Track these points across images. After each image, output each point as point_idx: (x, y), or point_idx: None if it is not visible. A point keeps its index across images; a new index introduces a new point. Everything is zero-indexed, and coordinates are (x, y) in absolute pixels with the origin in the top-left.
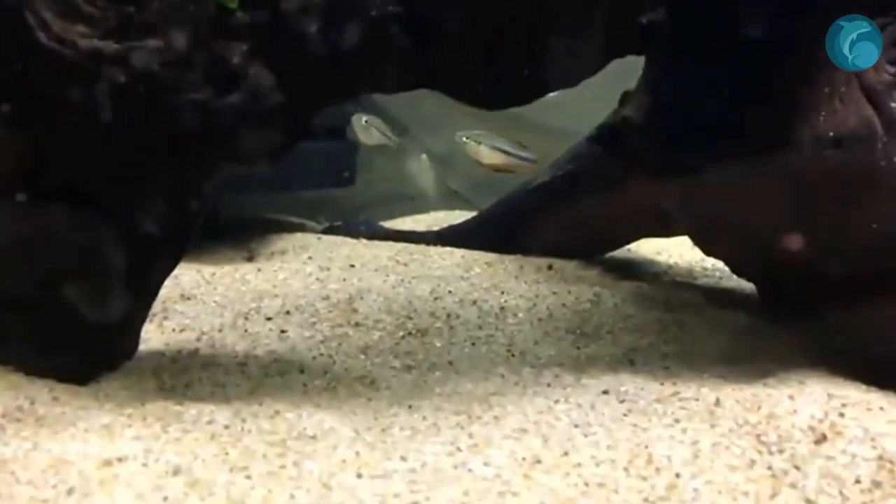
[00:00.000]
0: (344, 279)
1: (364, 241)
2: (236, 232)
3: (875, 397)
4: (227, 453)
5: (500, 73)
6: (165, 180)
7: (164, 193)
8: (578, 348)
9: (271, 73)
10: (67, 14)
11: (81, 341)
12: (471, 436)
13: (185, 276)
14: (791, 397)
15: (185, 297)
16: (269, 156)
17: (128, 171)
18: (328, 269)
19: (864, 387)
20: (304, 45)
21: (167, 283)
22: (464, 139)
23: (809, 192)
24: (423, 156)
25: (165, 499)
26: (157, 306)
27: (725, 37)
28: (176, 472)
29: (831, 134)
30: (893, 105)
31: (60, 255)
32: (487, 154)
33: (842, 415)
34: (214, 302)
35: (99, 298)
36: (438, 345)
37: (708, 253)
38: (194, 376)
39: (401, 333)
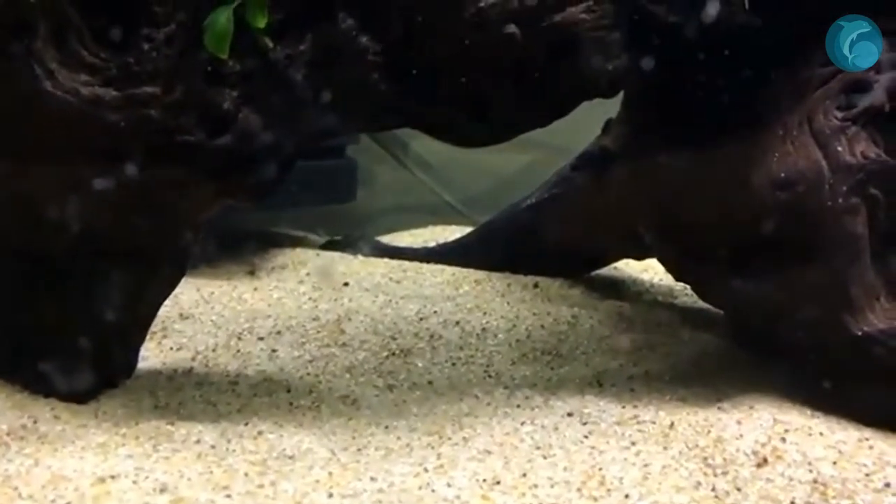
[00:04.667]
0: (335, 299)
1: (361, 257)
2: (239, 247)
3: (817, 423)
4: (211, 472)
5: (476, 116)
6: (163, 214)
7: (163, 225)
8: (552, 369)
9: (260, 116)
10: (71, 63)
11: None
12: (439, 456)
13: (185, 295)
14: (739, 422)
15: (183, 317)
16: (258, 191)
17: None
18: (321, 288)
19: (808, 412)
20: (290, 91)
21: (168, 302)
22: None
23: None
24: None
25: None
26: (157, 325)
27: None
28: (163, 489)
29: (783, 175)
30: (840, 149)
31: None
32: None
33: (783, 440)
34: (211, 321)
35: None
36: (420, 365)
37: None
38: (188, 395)
39: (385, 354)
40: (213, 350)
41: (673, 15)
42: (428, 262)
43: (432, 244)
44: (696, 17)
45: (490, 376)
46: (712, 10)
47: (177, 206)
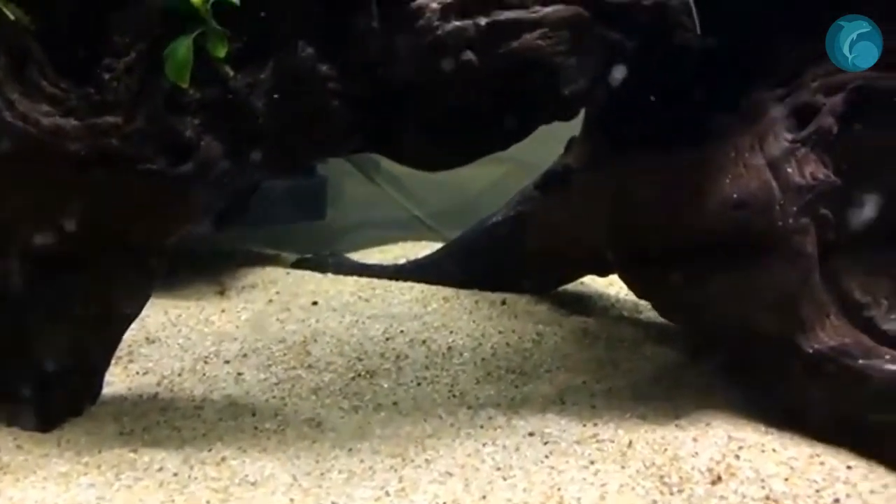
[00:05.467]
0: (303, 320)
1: (331, 275)
2: (210, 265)
3: (770, 439)
4: (172, 501)
5: (437, 140)
6: (126, 242)
7: (127, 252)
8: (516, 387)
9: (222, 143)
10: (32, 94)
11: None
12: (401, 479)
13: (153, 318)
14: (695, 439)
15: (150, 340)
16: (222, 217)
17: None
18: (289, 309)
19: (763, 428)
20: (252, 118)
21: (134, 325)
22: None
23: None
24: None
25: None
26: (123, 349)
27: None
28: None
29: (735, 196)
30: (790, 171)
31: None
32: None
33: (738, 457)
34: (178, 345)
35: None
36: (386, 386)
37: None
38: (153, 420)
39: (351, 375)
40: (179, 374)
41: (629, 41)
42: (397, 279)
43: (402, 260)
44: (651, 44)
45: (454, 396)
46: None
47: (139, 233)
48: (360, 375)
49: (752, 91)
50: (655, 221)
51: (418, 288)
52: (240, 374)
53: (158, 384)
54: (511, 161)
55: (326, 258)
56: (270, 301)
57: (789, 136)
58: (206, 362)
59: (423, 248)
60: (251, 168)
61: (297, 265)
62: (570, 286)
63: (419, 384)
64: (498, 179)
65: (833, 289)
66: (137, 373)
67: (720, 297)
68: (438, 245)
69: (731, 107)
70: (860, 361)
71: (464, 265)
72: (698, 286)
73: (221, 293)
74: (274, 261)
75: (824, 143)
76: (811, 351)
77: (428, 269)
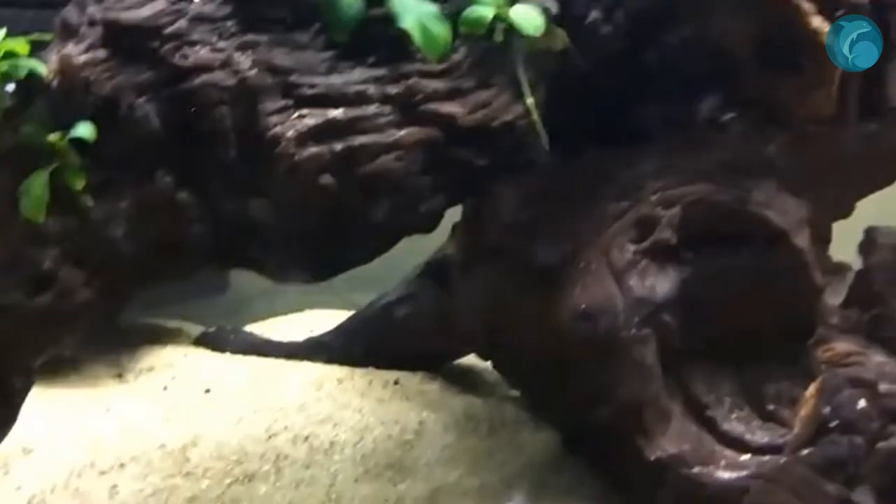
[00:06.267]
0: (188, 418)
1: (229, 353)
2: (110, 344)
3: None
4: None
5: (298, 258)
6: None
7: None
8: (393, 485)
9: (81, 272)
10: None
11: None
12: None
13: (33, 424)
14: None
15: (26, 451)
16: (82, 341)
17: None
18: (177, 404)
19: None
20: (111, 247)
21: (14, 433)
22: None
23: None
24: None
25: None
26: None
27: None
28: None
29: (583, 307)
30: (632, 282)
31: None
32: None
33: None
34: (54, 455)
35: None
36: (263, 490)
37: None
38: None
39: (228, 481)
40: (52, 491)
41: (481, 158)
42: (294, 358)
43: (307, 330)
44: (501, 159)
45: (331, 499)
46: None
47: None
48: (237, 481)
49: (599, 203)
50: (516, 329)
51: (314, 368)
52: (114, 486)
53: None
54: None
55: (229, 334)
56: (165, 388)
57: (632, 248)
58: (80, 475)
59: (331, 318)
60: (113, 295)
61: (199, 342)
62: (465, 359)
63: (297, 486)
64: (411, 242)
65: (678, 390)
66: (9, 489)
67: (576, 401)
68: (347, 313)
69: (579, 219)
70: (695, 469)
71: (360, 344)
72: (555, 392)
73: (119, 376)
74: (177, 336)
75: (666, 253)
76: (653, 458)
77: (325, 348)
